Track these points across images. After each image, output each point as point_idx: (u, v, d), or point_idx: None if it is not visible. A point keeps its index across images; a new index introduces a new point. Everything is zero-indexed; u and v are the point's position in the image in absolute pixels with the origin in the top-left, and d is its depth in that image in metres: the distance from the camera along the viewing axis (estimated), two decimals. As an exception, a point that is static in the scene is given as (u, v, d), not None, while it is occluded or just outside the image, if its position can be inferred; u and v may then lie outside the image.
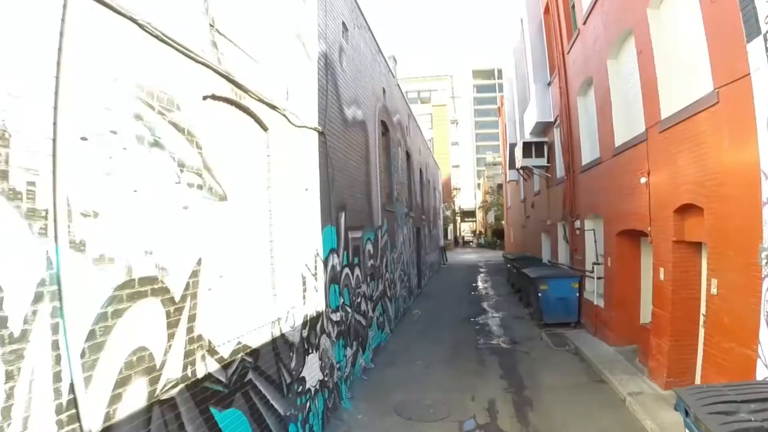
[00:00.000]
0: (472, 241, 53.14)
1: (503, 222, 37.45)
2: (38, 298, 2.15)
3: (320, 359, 5.54)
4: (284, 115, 4.65)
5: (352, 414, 6.29)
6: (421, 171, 18.23)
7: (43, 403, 2.16)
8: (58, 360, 2.23)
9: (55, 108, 2.24)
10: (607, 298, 9.04)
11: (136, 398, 2.66)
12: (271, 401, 4.24)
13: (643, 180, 6.77)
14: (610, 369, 7.43)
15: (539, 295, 10.67)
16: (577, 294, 10.47)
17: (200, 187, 3.24)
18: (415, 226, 15.85)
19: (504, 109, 26.04)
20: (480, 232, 57.65)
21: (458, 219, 56.40)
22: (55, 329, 2.22)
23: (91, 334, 2.39)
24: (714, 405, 3.16)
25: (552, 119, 13.22)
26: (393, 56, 15.92)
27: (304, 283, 5.09)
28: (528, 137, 15.06)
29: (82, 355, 2.32)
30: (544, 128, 14.13)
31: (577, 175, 10.82)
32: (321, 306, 5.63)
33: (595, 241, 9.69)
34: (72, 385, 2.28)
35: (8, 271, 2.01)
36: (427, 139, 34.91)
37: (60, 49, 2.27)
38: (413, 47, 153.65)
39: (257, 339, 3.98)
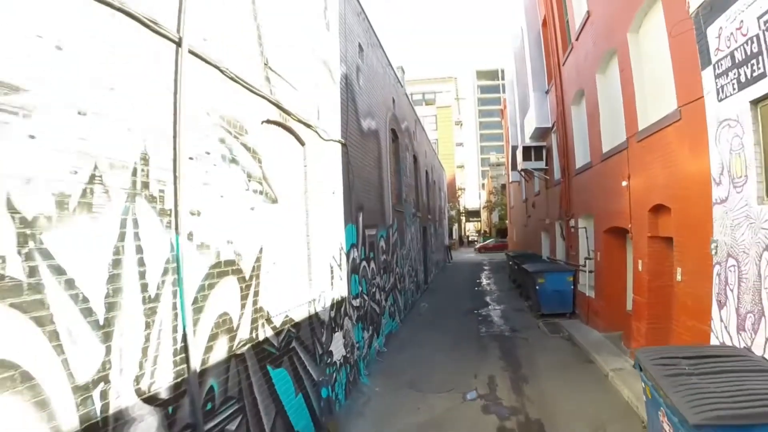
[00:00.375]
0: (477, 241, 53.92)
1: (507, 221, 38.20)
2: (165, 271, 3.07)
3: (344, 337, 6.45)
4: (316, 132, 5.57)
5: (370, 387, 7.20)
6: (427, 173, 19.11)
7: (166, 347, 3.08)
8: (175, 317, 3.15)
9: (174, 137, 3.16)
10: (596, 289, 9.89)
11: (221, 351, 3.58)
12: (308, 367, 5.15)
13: (624, 183, 7.63)
14: (597, 351, 8.29)
15: (537, 288, 11.53)
16: (572, 287, 11.32)
17: (261, 192, 4.17)
18: (421, 225, 16.73)
19: (506, 111, 26.84)
20: (485, 231, 58.39)
21: (463, 219, 57.17)
22: (174, 294, 3.14)
23: (195, 300, 3.31)
24: (660, 359, 4.03)
25: (550, 125, 14.06)
26: (401, 67, 16.83)
27: (331, 272, 6.01)
28: (528, 141, 15.91)
29: (191, 314, 3.25)
30: (542, 133, 14.97)
31: (572, 177, 11.67)
32: (344, 292, 6.54)
33: (587, 238, 10.55)
34: (185, 335, 3.20)
35: (149, 252, 2.93)
36: (432, 140, 35.83)
37: (176, 92, 3.19)
38: (418, 48, 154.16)
39: (298, 314, 4.90)
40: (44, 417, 2.18)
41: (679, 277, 6.00)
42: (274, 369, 4.36)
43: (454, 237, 45.04)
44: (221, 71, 3.65)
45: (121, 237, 2.65)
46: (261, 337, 4.12)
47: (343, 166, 6.62)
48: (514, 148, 20.61)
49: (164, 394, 2.95)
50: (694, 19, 5.38)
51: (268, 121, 4.37)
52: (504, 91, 34.15)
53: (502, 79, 57.02)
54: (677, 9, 5.76)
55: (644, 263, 7.15)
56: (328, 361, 5.78)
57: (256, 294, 4.03)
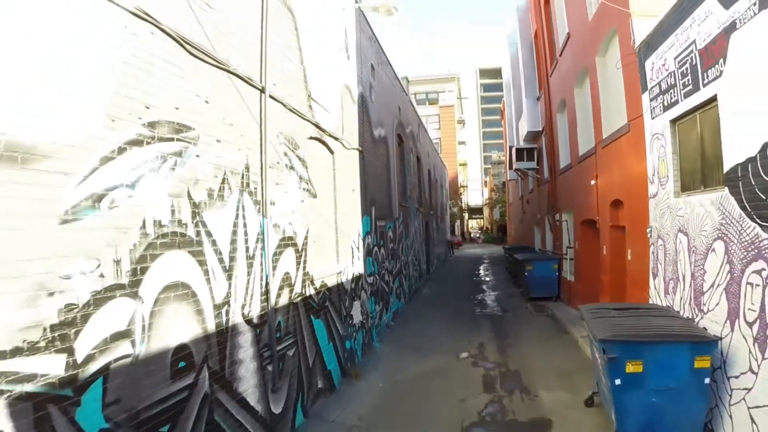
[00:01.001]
0: (479, 237, 55.42)
1: (506, 218, 39.69)
2: (257, 240, 4.64)
3: (361, 306, 8.04)
4: (341, 143, 7.14)
5: (381, 350, 8.79)
6: (429, 171, 20.65)
7: (257, 289, 4.65)
8: (261, 271, 4.73)
9: (261, 152, 4.74)
10: (575, 274, 11.45)
11: (284, 298, 5.17)
12: (336, 323, 6.75)
13: (593, 182, 9.17)
14: (572, 324, 9.84)
15: (526, 274, 13.08)
16: (557, 273, 12.86)
17: (307, 190, 5.75)
18: (424, 220, 18.29)
19: (505, 113, 28.32)
20: (487, 228, 59.88)
21: (465, 216, 58.63)
22: (261, 256, 4.72)
23: (272, 261, 4.90)
24: (596, 311, 5.60)
25: (540, 129, 15.58)
26: (406, 77, 18.32)
27: (352, 253, 7.59)
28: (521, 143, 17.43)
29: (271, 270, 4.84)
30: (534, 136, 16.48)
31: (557, 176, 13.21)
32: (361, 270, 8.13)
33: (568, 230, 12.09)
34: (267, 284, 4.78)
35: (249, 227, 4.50)
36: (435, 138, 37.37)
37: (261, 123, 4.76)
38: (421, 46, 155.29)
39: (330, 281, 6.49)
40: (200, 320, 3.77)
41: (629, 257, 7.56)
42: (315, 318, 5.96)
43: (456, 233, 46.46)
44: (284, 105, 5.22)
45: (236, 216, 4.24)
46: (307, 294, 5.71)
47: (360, 168, 8.19)
48: (512, 148, 22.12)
49: (255, 321, 4.54)
50: (637, 53, 6.91)
51: (311, 138, 5.95)
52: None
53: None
54: (628, 43, 7.29)
55: (607, 248, 8.70)
56: (350, 322, 7.37)
57: (305, 262, 5.62)
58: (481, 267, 24.33)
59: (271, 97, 4.83)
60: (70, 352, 2.52)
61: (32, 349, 2.32)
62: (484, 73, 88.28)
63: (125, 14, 2.99)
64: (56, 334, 2.45)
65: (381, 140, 10.33)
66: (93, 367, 2.66)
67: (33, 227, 2.36)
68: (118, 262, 2.88)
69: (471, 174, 69.01)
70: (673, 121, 5.97)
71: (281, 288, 5.07)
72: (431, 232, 20.70)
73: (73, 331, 2.54)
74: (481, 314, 12.13)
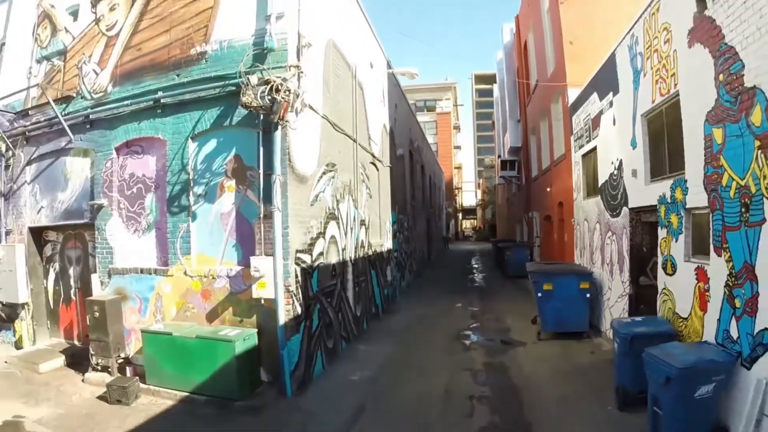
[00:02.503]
0: (472, 236, 59.90)
1: (496, 216, 44.13)
2: (353, 219, 8.91)
3: (390, 270, 12.31)
4: (381, 162, 11.42)
5: (402, 302, 13.07)
6: (430, 177, 24.96)
7: (352, 245, 8.91)
8: (353, 235, 8.99)
9: (354, 173, 9.00)
10: (540, 255, 15.82)
11: (360, 254, 9.43)
12: (380, 276, 11.03)
13: (548, 189, 13.54)
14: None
15: (506, 258, 17.43)
16: (529, 257, 17.20)
17: (368, 194, 10.04)
18: (426, 216, 22.59)
19: (495, 125, 32.75)
20: (479, 227, 64.39)
21: (459, 216, 63.07)
22: (353, 228, 8.98)
23: (357, 231, 9.15)
24: (536, 264, 9.93)
25: (520, 145, 19.98)
26: (414, 103, 22.61)
27: (386, 235, 11.87)
28: (506, 155, 21.83)
29: (360, 237, 9.10)
30: (515, 150, 20.88)
31: (531, 184, 17.59)
32: (390, 247, 12.41)
33: (536, 224, 16.47)
34: (356, 242, 9.04)
35: (350, 214, 8.76)
36: (432, 143, 41.77)
37: (354, 159, 9.02)
38: (417, 52, 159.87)
39: (378, 249, 10.77)
40: (338, 255, 8.00)
41: (566, 239, 11.92)
42: (372, 270, 10.23)
43: (451, 232, 50.80)
44: (361, 146, 9.50)
45: (347, 207, 8.51)
46: (369, 253, 9.99)
47: (390, 179, 12.46)
48: (499, 157, 26.55)
49: (352, 261, 8.79)
50: (569, 110, 11.27)
51: (370, 162, 10.22)
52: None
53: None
54: (565, 102, 11.64)
55: (557, 234, 13.07)
56: (386, 278, 11.65)
57: (368, 235, 9.89)
58: (473, 259, 28.67)
59: (356, 142, 9.11)
60: (311, 255, 6.77)
61: (302, 252, 6.55)
62: (479, 78, 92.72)
63: (322, 120, 7.24)
64: (307, 248, 6.68)
65: (400, 157, 14.61)
66: (315, 264, 6.90)
67: (305, 206, 6.62)
68: (321, 224, 7.15)
69: (465, 176, 73.49)
70: (582, 156, 10.33)
71: (360, 247, 9.34)
72: (431, 227, 25.01)
73: (311, 248, 6.79)
74: (470, 286, 16.46)
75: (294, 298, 5.96)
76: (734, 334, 4.43)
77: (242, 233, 6.22)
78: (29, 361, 7.86)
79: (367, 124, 10.17)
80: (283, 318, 5.79)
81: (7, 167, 8.94)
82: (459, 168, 62.59)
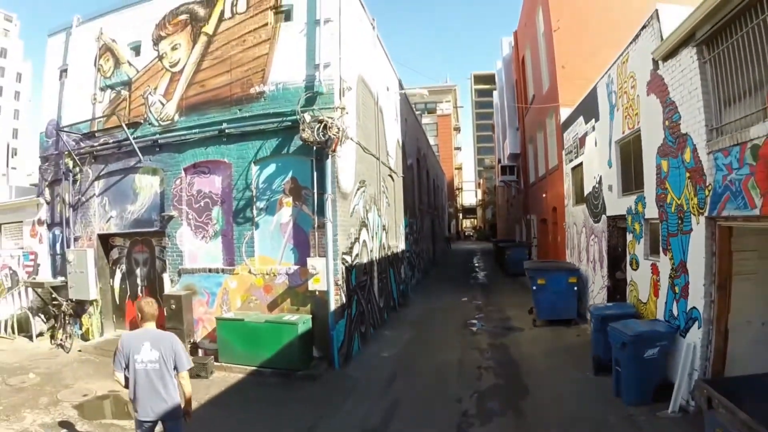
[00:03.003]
0: (472, 236, 61.67)
1: (496, 216, 45.83)
2: (377, 225, 10.58)
3: (404, 268, 13.98)
4: (396, 173, 13.08)
5: (412, 296, 14.74)
6: (433, 180, 26.62)
7: (378, 246, 10.58)
8: (377, 239, 10.66)
9: (377, 185, 10.67)
10: (537, 254, 17.50)
11: (383, 254, 11.09)
12: (397, 274, 12.69)
13: (544, 195, 15.22)
14: (532, 285, 15.87)
15: (506, 257, 19.11)
16: (528, 256, 18.89)
17: (388, 203, 11.69)
18: (430, 218, 24.25)
19: (495, 129, 34.40)
20: (480, 226, 66.12)
21: (460, 216, 64.80)
22: (376, 233, 10.65)
23: (380, 235, 10.82)
24: (533, 264, 11.61)
25: (519, 151, 21.65)
26: (420, 113, 24.27)
27: (400, 237, 13.53)
28: (506, 161, 23.51)
29: (382, 239, 10.77)
30: (515, 156, 22.55)
31: (529, 189, 19.27)
32: (404, 248, 14.08)
33: (534, 226, 18.15)
34: (380, 244, 10.71)
35: (375, 221, 10.42)
36: (433, 144, 43.48)
37: (378, 174, 10.68)
38: (418, 53, 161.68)
39: (395, 250, 12.43)
40: (367, 255, 9.66)
41: (559, 240, 13.61)
42: (390, 268, 11.90)
43: (452, 232, 52.48)
44: (381, 162, 11.16)
45: (373, 215, 10.17)
46: (388, 254, 11.65)
47: (403, 188, 14.11)
48: (500, 162, 28.23)
49: (377, 259, 10.46)
50: (561, 127, 12.93)
51: (388, 174, 11.88)
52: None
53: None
54: (558, 119, 13.31)
55: (551, 236, 14.74)
56: (401, 275, 13.32)
57: (387, 238, 11.55)
58: (475, 258, 30.39)
59: (378, 160, 10.77)
60: (351, 256, 8.41)
61: (345, 254, 8.18)
62: (478, 78, 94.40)
63: (356, 146, 8.88)
64: (348, 250, 8.32)
65: (410, 167, 16.26)
66: (353, 263, 8.54)
67: (347, 217, 8.26)
68: (357, 230, 8.79)
69: (465, 176, 75.21)
70: (571, 168, 12.00)
71: (381, 249, 11.00)
72: (435, 227, 26.69)
73: (351, 250, 8.44)
74: (474, 283, 18.16)
75: (341, 290, 7.62)
76: (675, 312, 6.10)
77: (298, 240, 7.87)
78: (103, 349, 9.45)
79: (386, 141, 11.82)
80: (333, 306, 7.45)
81: (74, 182, 10.55)
82: (459, 168, 64.26)
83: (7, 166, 53.51)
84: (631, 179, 7.85)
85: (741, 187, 4.66)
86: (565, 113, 12.56)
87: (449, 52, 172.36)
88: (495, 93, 31.49)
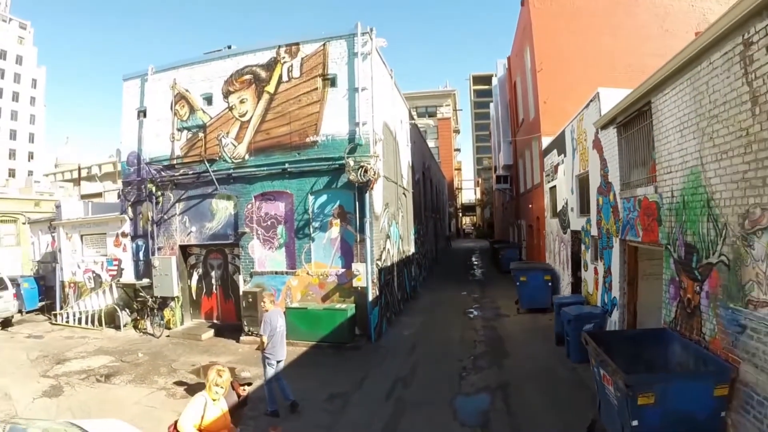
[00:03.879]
0: (471, 233, 64.85)
1: (493, 218, 48.91)
2: (395, 236, 13.66)
3: (413, 268, 17.08)
4: (408, 191, 16.13)
5: (420, 291, 17.84)
6: (436, 187, 29.68)
7: (397, 251, 13.67)
8: (396, 245, 13.75)
9: (398, 203, 13.74)
10: (526, 255, 20.63)
11: (399, 258, 14.19)
12: (409, 272, 15.79)
13: (530, 206, 18.29)
14: (521, 281, 19.02)
15: (500, 257, 22.22)
16: (518, 256, 22.00)
17: (403, 216, 14.77)
18: (433, 221, 27.33)
19: (492, 136, 37.41)
20: (479, 224, 69.26)
21: (460, 214, 67.87)
22: (396, 241, 13.74)
23: (398, 242, 13.91)
24: (517, 264, 14.72)
25: (511, 163, 24.71)
26: (425, 130, 27.31)
27: (411, 243, 16.61)
28: (500, 170, 26.56)
29: (400, 245, 13.86)
30: (508, 167, 25.61)
31: (519, 197, 22.34)
32: (413, 251, 17.16)
33: (523, 230, 21.24)
34: (398, 250, 13.79)
35: (394, 232, 13.49)
36: (433, 147, 46.51)
37: (398, 198, 13.76)
38: (416, 55, 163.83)
39: (407, 254, 15.52)
40: (391, 259, 12.75)
41: (541, 245, 16.71)
42: (404, 268, 14.99)
43: (451, 230, 55.56)
44: (397, 185, 14.22)
45: (393, 227, 13.25)
46: (404, 257, 14.73)
47: (412, 200, 17.17)
48: (496, 169, 31.29)
49: (396, 261, 13.55)
50: (543, 152, 16.00)
51: (402, 193, 14.94)
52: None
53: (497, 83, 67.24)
54: (539, 146, 16.36)
55: (536, 240, 17.84)
56: (412, 273, 16.42)
57: (402, 245, 14.63)
58: (473, 256, 33.51)
59: (397, 184, 13.83)
60: (380, 261, 11.48)
61: (377, 260, 11.23)
62: (476, 79, 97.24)
63: (383, 178, 11.93)
64: (379, 257, 11.38)
65: (417, 181, 19.31)
66: (382, 266, 11.61)
67: (378, 233, 11.35)
68: (383, 242, 11.86)
69: (465, 174, 78.29)
70: (549, 188, 15.08)
71: (399, 254, 14.09)
72: (437, 229, 29.79)
73: (381, 257, 11.50)
74: (471, 280, 21.28)
75: (375, 286, 10.69)
76: (606, 300, 9.19)
77: (344, 250, 10.93)
78: (189, 334, 12.50)
79: (400, 166, 14.87)
80: (370, 297, 10.52)
81: (157, 203, 13.56)
82: (459, 169, 67.24)
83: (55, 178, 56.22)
84: (584, 205, 10.92)
85: (633, 223, 7.74)
86: (546, 141, 15.60)
87: (449, 54, 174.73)
88: (491, 105, 34.45)
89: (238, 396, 4.69)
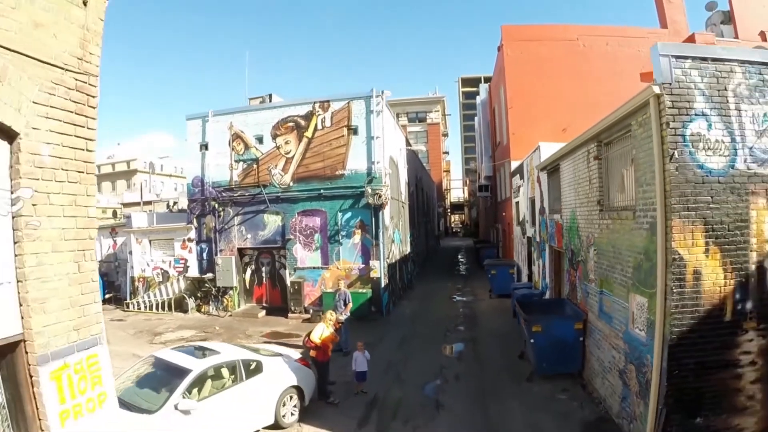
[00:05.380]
0: (459, 232, 69.88)
1: (479, 218, 53.87)
2: (398, 240, 18.37)
3: (409, 264, 21.81)
4: (405, 203, 20.82)
5: (415, 283, 22.62)
6: (426, 194, 34.42)
7: (398, 252, 18.38)
8: (399, 247, 18.46)
9: (400, 216, 18.44)
10: (502, 253, 25.53)
11: (401, 256, 18.91)
12: (406, 268, 20.53)
13: (503, 214, 23.12)
14: (497, 274, 23.92)
15: (481, 255, 27.08)
16: (496, 253, 26.85)
17: (401, 223, 19.48)
18: (425, 223, 32.07)
19: (477, 146, 42.21)
20: (467, 223, 74.29)
21: (449, 213, 72.81)
22: (398, 244, 18.45)
23: (400, 246, 18.63)
24: (490, 261, 19.56)
25: (491, 174, 29.52)
26: (418, 151, 32.00)
27: (408, 244, 21.32)
28: (482, 180, 31.38)
29: (404, 247, 18.58)
30: (489, 177, 30.44)
31: (498, 204, 27.16)
32: (409, 251, 21.90)
33: (499, 233, 26.10)
34: (400, 250, 18.51)
35: (397, 237, 18.20)
36: (423, 150, 51.32)
37: (402, 214, 18.46)
38: (404, 59, 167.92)
39: (405, 253, 20.25)
40: (396, 256, 17.46)
41: (511, 245, 21.56)
42: (403, 264, 19.73)
43: (440, 229, 60.42)
44: (400, 201, 18.91)
45: (397, 234, 17.98)
46: (403, 256, 19.46)
47: (408, 210, 21.86)
48: (479, 176, 36.10)
49: (398, 259, 18.27)
50: (512, 173, 20.80)
51: (402, 206, 19.63)
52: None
53: (486, 82, 72.05)
54: (509, 167, 21.17)
55: (508, 241, 22.69)
56: (408, 269, 21.15)
57: (401, 246, 19.34)
58: (459, 254, 38.42)
59: (398, 200, 18.52)
60: (389, 259, 16.20)
61: (387, 258, 15.93)
62: (465, 82, 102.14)
63: (390, 198, 16.63)
64: (389, 256, 16.07)
65: (411, 193, 24.01)
66: (390, 263, 16.30)
67: (387, 240, 16.08)
68: (390, 245, 16.58)
69: (453, 174, 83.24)
70: (515, 202, 19.90)
71: (399, 254, 18.81)
72: (428, 230, 34.58)
73: (389, 256, 16.20)
74: (456, 274, 26.13)
75: (386, 277, 15.39)
76: (543, 285, 14.00)
77: (364, 251, 15.58)
78: (247, 313, 17.07)
79: (399, 184, 19.54)
80: (382, 285, 15.23)
81: (219, 216, 18.05)
82: (448, 171, 72.13)
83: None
84: (533, 219, 15.70)
85: (553, 236, 12.53)
86: (514, 164, 20.36)
87: (438, 58, 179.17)
88: (476, 119, 39.24)
89: (336, 327, 9.35)
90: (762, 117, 6.22)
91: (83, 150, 3.49)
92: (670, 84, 5.96)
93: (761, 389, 6.33)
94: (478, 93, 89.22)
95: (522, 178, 17.72)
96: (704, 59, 6.13)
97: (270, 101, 19.10)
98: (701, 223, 5.92)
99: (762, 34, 24.51)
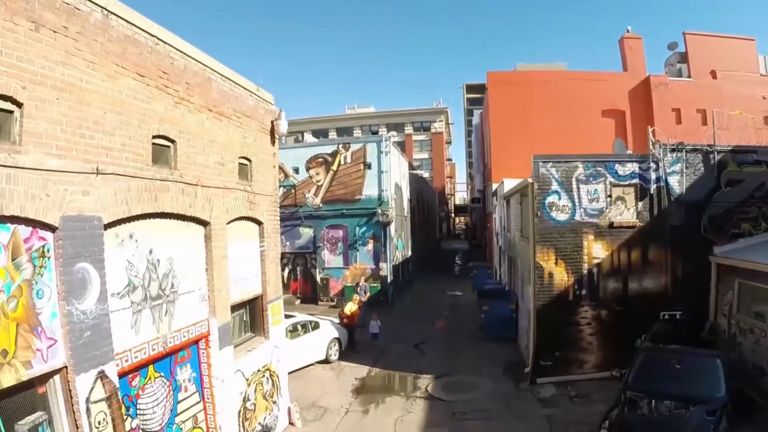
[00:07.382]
0: (461, 234, 75.46)
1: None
2: (399, 246, 24.19)
3: (410, 265, 27.60)
4: (408, 216, 26.60)
5: (415, 281, 28.43)
6: (428, 203, 40.17)
7: (401, 255, 24.20)
8: (401, 252, 24.28)
9: (405, 226, 24.25)
10: (487, 255, 31.24)
11: (403, 259, 24.73)
12: (408, 268, 26.36)
13: (488, 225, 28.83)
14: (483, 274, 29.68)
15: (471, 258, 32.80)
16: (485, 256, 32.53)
17: (405, 233, 25.30)
18: (425, 229, 37.80)
19: (473, 162, 47.85)
20: (470, 226, 79.75)
21: (452, 215, 78.39)
22: (401, 249, 24.28)
23: (403, 250, 24.45)
24: (474, 263, 25.33)
25: (483, 188, 35.17)
26: (417, 167, 37.78)
27: (410, 248, 27.10)
28: (476, 192, 37.05)
29: (402, 252, 24.41)
30: (481, 190, 36.08)
31: (487, 214, 32.84)
32: (410, 254, 27.68)
33: (488, 238, 31.80)
34: (402, 255, 24.33)
35: (399, 243, 24.00)
36: (427, 158, 57.00)
37: (406, 222, 24.25)
38: (408, 70, 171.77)
39: (407, 256, 26.06)
40: (397, 258, 23.28)
41: (492, 250, 27.29)
42: (405, 266, 25.55)
43: (443, 232, 66.02)
44: (402, 216, 24.72)
45: (398, 240, 23.82)
46: (405, 259, 25.28)
47: (410, 221, 27.61)
48: (474, 188, 41.76)
49: (400, 260, 24.10)
50: (493, 193, 26.51)
51: (404, 219, 25.42)
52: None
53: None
54: (493, 188, 26.89)
55: (490, 246, 28.40)
56: (409, 269, 26.96)
57: (404, 250, 25.15)
58: (456, 256, 44.02)
59: (401, 216, 24.36)
60: (394, 261, 22.01)
61: (392, 261, 21.73)
62: (470, 88, 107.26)
63: (396, 216, 22.45)
64: (394, 259, 21.87)
65: (413, 207, 29.77)
66: (395, 264, 22.13)
67: (392, 247, 21.91)
68: (395, 250, 22.43)
69: (458, 177, 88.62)
70: (494, 217, 25.61)
71: (403, 256, 24.64)
72: (428, 235, 40.34)
73: (394, 259, 22.02)
74: (451, 274, 31.87)
75: (392, 274, 21.24)
76: (505, 282, 19.71)
77: (375, 256, 21.42)
78: (287, 302, 22.82)
79: (402, 201, 25.33)
80: (389, 280, 21.08)
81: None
82: (451, 177, 77.71)
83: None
84: (501, 233, 21.39)
85: (508, 246, 18.26)
86: (494, 186, 26.03)
87: (441, 67, 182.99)
88: (472, 135, 44.86)
89: (359, 305, 15.22)
90: (593, 191, 11.94)
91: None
92: (538, 176, 11.67)
93: (595, 339, 12.07)
94: (482, 99, 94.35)
95: (496, 200, 23.42)
96: (559, 161, 11.85)
97: (303, 139, 24.98)
98: (553, 248, 11.66)
99: (713, 72, 30.22)
